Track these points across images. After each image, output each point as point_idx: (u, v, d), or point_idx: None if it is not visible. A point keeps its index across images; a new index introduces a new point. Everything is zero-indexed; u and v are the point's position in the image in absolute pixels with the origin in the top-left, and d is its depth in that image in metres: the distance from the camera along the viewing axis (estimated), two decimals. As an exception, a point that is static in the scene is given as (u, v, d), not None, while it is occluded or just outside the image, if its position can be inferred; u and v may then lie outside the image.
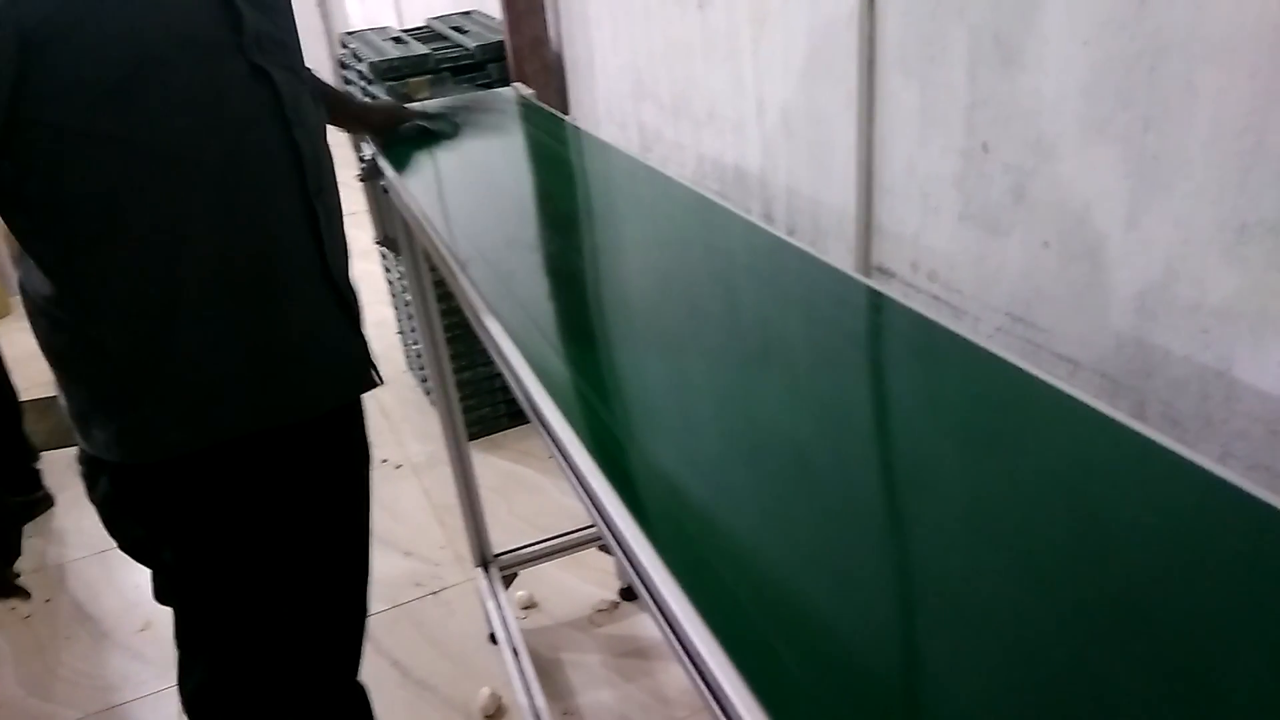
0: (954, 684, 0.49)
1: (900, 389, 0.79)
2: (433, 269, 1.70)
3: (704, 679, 0.52)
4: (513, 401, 2.65)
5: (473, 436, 2.66)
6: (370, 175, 1.48)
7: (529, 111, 1.66)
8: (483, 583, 1.83)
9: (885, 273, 1.40)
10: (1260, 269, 0.87)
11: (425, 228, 1.16)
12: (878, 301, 0.92)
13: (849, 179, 1.41)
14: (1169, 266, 0.95)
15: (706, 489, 0.66)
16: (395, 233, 1.56)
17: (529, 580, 2.06)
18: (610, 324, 0.93)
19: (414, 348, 2.82)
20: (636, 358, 0.86)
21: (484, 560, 1.86)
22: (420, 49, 2.44)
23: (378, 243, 1.61)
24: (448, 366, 1.71)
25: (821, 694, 0.49)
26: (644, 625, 1.94)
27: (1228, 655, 0.49)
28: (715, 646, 0.51)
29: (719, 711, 0.50)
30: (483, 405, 2.63)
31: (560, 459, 0.74)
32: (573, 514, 2.30)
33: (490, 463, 2.55)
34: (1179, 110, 0.90)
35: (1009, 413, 0.73)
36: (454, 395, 1.73)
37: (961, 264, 1.24)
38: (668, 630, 0.56)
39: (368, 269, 3.91)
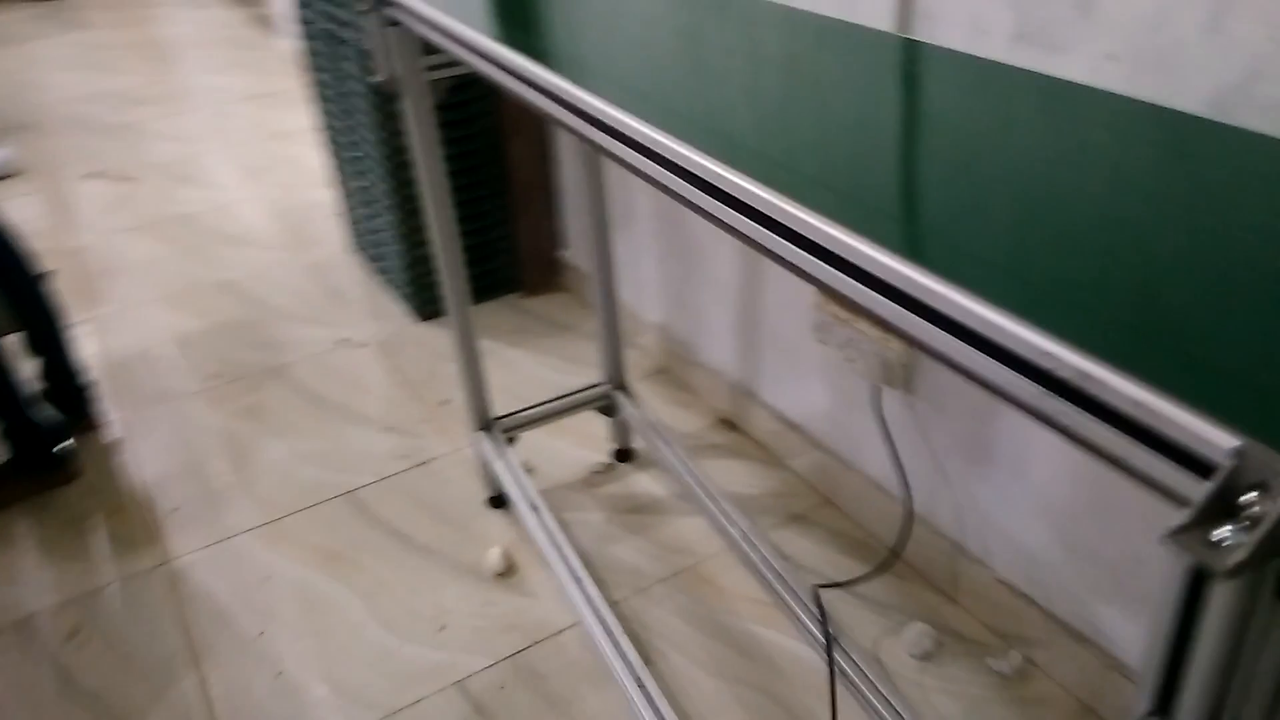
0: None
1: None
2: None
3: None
4: (473, 278, 2.58)
5: (426, 317, 2.59)
6: (377, 4, 1.39)
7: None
8: (486, 445, 1.81)
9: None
10: (1353, 59, 0.91)
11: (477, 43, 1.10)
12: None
13: (888, 4, 1.40)
14: (1252, 68, 0.99)
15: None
16: (401, 72, 1.47)
17: (521, 447, 2.05)
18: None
19: (365, 224, 2.70)
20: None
21: (486, 423, 1.83)
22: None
23: (375, 86, 1.52)
24: (451, 223, 1.65)
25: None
26: (642, 484, 1.96)
27: None
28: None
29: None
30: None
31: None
32: (549, 385, 2.28)
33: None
34: (1277, -95, 0.92)
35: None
36: (457, 255, 1.67)
37: (1010, 88, 1.25)
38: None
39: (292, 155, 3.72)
